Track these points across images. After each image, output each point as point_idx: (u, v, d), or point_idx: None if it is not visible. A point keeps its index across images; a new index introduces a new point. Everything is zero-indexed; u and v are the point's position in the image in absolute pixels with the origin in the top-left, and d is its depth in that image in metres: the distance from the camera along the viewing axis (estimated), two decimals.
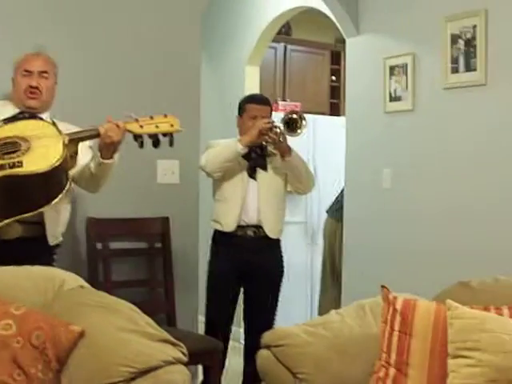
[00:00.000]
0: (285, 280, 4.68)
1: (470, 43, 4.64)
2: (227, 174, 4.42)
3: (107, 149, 3.42)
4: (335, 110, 8.28)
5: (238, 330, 5.13)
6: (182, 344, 2.80)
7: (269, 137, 4.35)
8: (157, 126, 3.44)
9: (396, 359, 2.93)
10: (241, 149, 4.32)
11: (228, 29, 6.91)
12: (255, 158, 4.47)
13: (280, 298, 4.65)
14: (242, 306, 4.60)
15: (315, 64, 8.24)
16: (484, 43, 4.57)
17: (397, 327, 2.98)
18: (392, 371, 2.92)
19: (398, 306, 3.02)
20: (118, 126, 3.38)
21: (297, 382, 2.99)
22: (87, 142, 3.57)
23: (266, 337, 3.17)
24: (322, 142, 7.05)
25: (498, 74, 4.52)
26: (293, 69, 8.01)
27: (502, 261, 4.33)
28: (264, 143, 4.47)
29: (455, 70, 4.74)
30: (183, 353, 2.77)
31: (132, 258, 4.53)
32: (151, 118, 3.45)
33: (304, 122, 4.32)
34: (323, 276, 6.28)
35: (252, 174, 4.46)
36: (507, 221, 4.44)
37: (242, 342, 4.70)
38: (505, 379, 2.70)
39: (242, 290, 4.59)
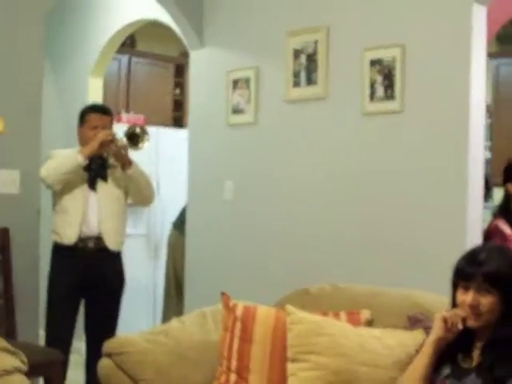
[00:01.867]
0: (128, 292, 4.64)
1: (311, 58, 4.76)
2: (67, 185, 4.35)
3: None
4: (179, 122, 8.30)
5: (79, 343, 5.04)
6: (21, 352, 2.73)
7: (110, 149, 4.33)
8: None
9: (237, 365, 2.96)
10: (81, 160, 4.27)
11: (72, 39, 6.79)
12: (96, 169, 4.43)
13: (124, 311, 4.62)
14: (84, 317, 4.53)
15: (159, 76, 8.25)
16: (325, 58, 4.70)
17: (237, 333, 3.02)
18: (233, 377, 2.96)
19: (239, 313, 3.07)
20: None
21: None
22: None
23: (107, 345, 3.14)
24: (165, 154, 7.06)
25: (338, 87, 4.67)
26: (137, 81, 7.99)
27: (339, 275, 4.46)
28: (105, 154, 4.44)
29: (297, 84, 4.85)
30: (23, 361, 2.70)
31: None
32: None
33: (146, 136, 4.34)
34: (166, 288, 6.29)
35: (92, 186, 4.41)
36: (348, 239, 4.60)
37: (84, 354, 4.61)
38: (341, 381, 2.78)
39: (83, 301, 4.51)
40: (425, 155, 4.22)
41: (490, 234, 4.16)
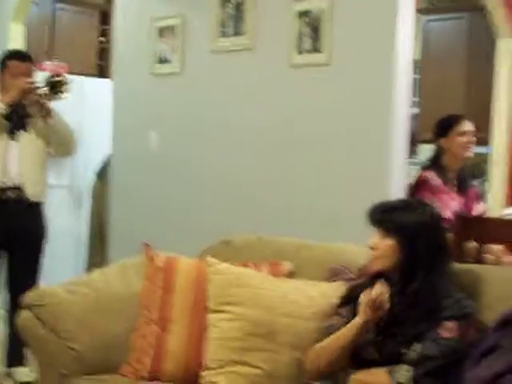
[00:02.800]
0: (52, 244, 4.58)
1: (239, 7, 4.70)
2: None
3: None
4: (104, 71, 8.12)
5: (2, 297, 4.94)
6: None
7: (30, 97, 4.22)
8: None
9: (158, 315, 2.95)
10: (1, 108, 4.16)
11: None
12: (16, 119, 4.31)
13: (47, 263, 4.56)
14: (6, 270, 4.44)
15: (84, 24, 8.03)
16: (253, 8, 4.65)
17: (159, 284, 3.00)
18: (154, 328, 2.94)
19: (160, 264, 3.05)
20: None
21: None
22: None
23: (27, 297, 3.07)
24: (89, 104, 6.91)
25: (266, 38, 4.63)
26: (61, 28, 7.77)
27: (264, 229, 4.45)
28: (26, 103, 4.31)
29: (224, 34, 4.80)
30: None
31: None
32: None
33: (68, 86, 4.24)
34: (91, 238, 6.23)
35: (13, 135, 4.30)
36: (273, 191, 4.61)
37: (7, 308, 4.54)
38: (263, 331, 2.78)
39: (5, 254, 4.43)
40: (351, 107, 4.24)
41: (417, 185, 4.23)
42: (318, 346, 2.62)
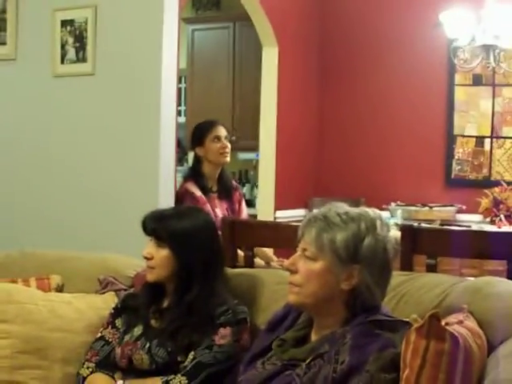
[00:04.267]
0: None
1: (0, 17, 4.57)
2: None
3: None
4: None
5: None
6: None
7: None
8: None
9: None
10: None
11: None
12: None
13: None
14: None
15: None
16: (14, 17, 4.55)
17: None
18: None
19: None
20: None
21: None
22: None
23: None
24: None
25: (28, 48, 4.55)
26: None
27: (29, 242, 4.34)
28: None
29: None
30: None
31: None
32: None
33: None
34: None
35: None
36: (40, 203, 4.51)
37: None
38: (33, 348, 2.70)
39: None
40: (117, 117, 4.24)
41: (181, 196, 4.23)
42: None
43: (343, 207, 2.12)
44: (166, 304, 2.56)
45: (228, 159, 4.36)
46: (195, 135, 4.36)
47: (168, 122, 4.14)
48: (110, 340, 2.61)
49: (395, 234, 2.68)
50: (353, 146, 6.46)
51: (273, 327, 2.29)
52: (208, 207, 4.15)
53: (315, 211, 2.14)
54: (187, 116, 7.37)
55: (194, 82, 7.39)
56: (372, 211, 2.12)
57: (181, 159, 6.91)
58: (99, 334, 2.65)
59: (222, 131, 4.36)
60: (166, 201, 4.03)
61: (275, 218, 5.78)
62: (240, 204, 4.50)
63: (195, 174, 4.32)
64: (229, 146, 4.36)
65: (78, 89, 4.34)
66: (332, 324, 2.07)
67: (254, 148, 6.44)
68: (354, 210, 2.10)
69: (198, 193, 4.23)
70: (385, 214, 2.72)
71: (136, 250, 2.74)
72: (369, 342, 1.95)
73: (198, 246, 2.52)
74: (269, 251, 4.35)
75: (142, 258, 2.56)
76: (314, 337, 2.13)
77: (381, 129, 6.32)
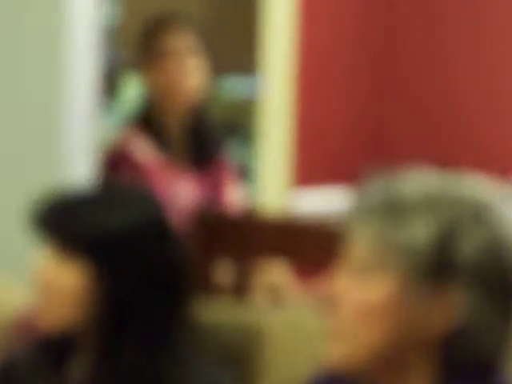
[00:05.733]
0: None
1: None
2: None
3: None
4: None
5: None
6: None
7: None
8: None
9: None
10: None
11: None
12: None
13: None
14: None
15: None
16: None
17: None
18: None
19: None
20: None
21: None
22: None
23: None
24: None
25: None
26: None
27: None
28: None
29: None
30: None
31: None
32: None
33: None
34: None
35: None
36: None
37: None
38: None
39: None
40: None
41: (111, 164, 3.25)
42: None
43: (423, 184, 1.28)
44: (76, 375, 1.63)
45: (194, 90, 2.79)
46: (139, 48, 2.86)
47: (79, 25, 2.52)
48: None
49: None
50: (446, 79, 4.08)
51: None
52: (164, 184, 2.67)
53: (370, 192, 1.28)
54: (123, 19, 4.55)
55: None
56: (479, 190, 1.30)
57: (111, 93, 4.64)
58: None
59: (180, 38, 2.79)
60: (78, 175, 2.52)
61: (291, 205, 3.87)
62: (226, 181, 2.92)
63: (143, 120, 2.82)
64: (195, 64, 2.79)
65: None
66: None
67: (248, 72, 4.00)
68: (443, 189, 1.27)
69: (145, 156, 2.74)
70: (505, 194, 1.41)
71: (17, 267, 2.06)
72: None
73: (139, 260, 1.60)
74: (277, 270, 2.75)
75: (29, 282, 1.73)
76: None
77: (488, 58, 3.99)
